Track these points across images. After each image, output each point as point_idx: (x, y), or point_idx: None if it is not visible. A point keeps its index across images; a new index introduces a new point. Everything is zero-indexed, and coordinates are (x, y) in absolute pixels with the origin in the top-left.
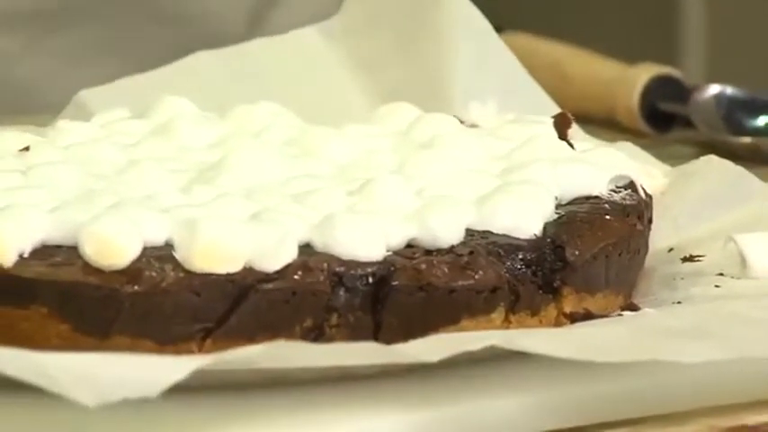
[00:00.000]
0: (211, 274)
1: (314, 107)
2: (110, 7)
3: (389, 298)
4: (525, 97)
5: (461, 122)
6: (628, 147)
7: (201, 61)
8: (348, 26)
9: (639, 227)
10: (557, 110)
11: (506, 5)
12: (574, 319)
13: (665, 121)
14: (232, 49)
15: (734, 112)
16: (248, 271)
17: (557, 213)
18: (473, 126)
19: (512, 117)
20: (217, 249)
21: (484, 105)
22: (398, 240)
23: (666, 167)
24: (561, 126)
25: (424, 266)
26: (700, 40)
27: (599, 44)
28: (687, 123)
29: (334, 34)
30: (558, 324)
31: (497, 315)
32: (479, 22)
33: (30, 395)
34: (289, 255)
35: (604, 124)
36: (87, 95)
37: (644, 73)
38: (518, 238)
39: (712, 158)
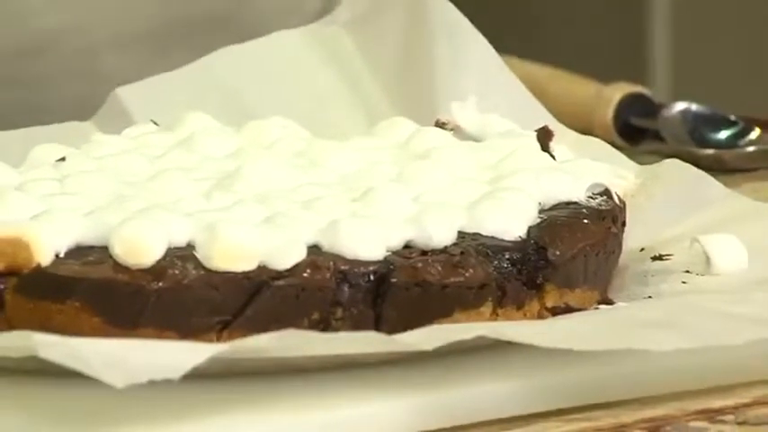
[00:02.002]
0: (229, 272)
1: (321, 94)
2: (208, 32)
3: (389, 293)
4: (506, 96)
5: (444, 124)
6: (600, 144)
7: (225, 56)
8: (352, 17)
9: (614, 230)
10: (536, 105)
11: (492, 31)
12: (555, 312)
13: (636, 134)
14: (256, 42)
15: (699, 127)
16: (262, 269)
17: (539, 218)
18: (456, 126)
19: (501, 131)
20: (234, 250)
21: (464, 104)
22: (397, 242)
23: (636, 165)
24: (544, 139)
25: (420, 265)
26: (667, 62)
27: (576, 66)
28: (657, 137)
29: (338, 24)
30: (540, 317)
31: (486, 309)
32: (464, 25)
33: (65, 378)
34: (298, 255)
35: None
36: (123, 93)
37: (617, 91)
38: (505, 240)
39: (675, 162)
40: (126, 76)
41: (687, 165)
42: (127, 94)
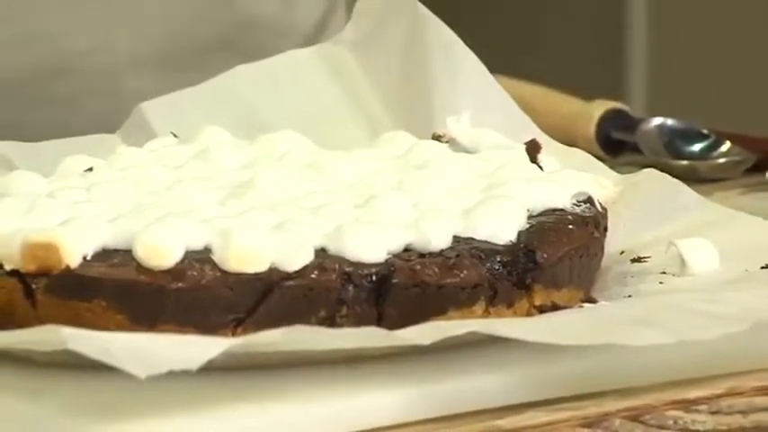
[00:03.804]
0: (242, 274)
1: (328, 109)
2: (216, 52)
3: (390, 293)
4: (498, 111)
5: (440, 136)
6: (583, 156)
7: (240, 74)
8: (356, 37)
9: (597, 234)
10: (526, 120)
11: (485, 52)
12: (542, 310)
13: (616, 147)
14: (268, 61)
15: (674, 140)
16: (273, 271)
17: (528, 223)
18: (452, 139)
19: (493, 143)
20: (247, 253)
21: (459, 118)
22: (397, 245)
23: (616, 174)
24: (532, 151)
25: (418, 267)
26: (644, 81)
27: (561, 84)
28: (635, 149)
29: (343, 44)
30: (529, 314)
31: (479, 307)
32: (459, 46)
33: (91, 370)
34: (306, 257)
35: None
36: (145, 107)
37: (599, 107)
38: (496, 244)
39: (652, 171)
40: (145, 95)
41: (663, 174)
42: (149, 108)
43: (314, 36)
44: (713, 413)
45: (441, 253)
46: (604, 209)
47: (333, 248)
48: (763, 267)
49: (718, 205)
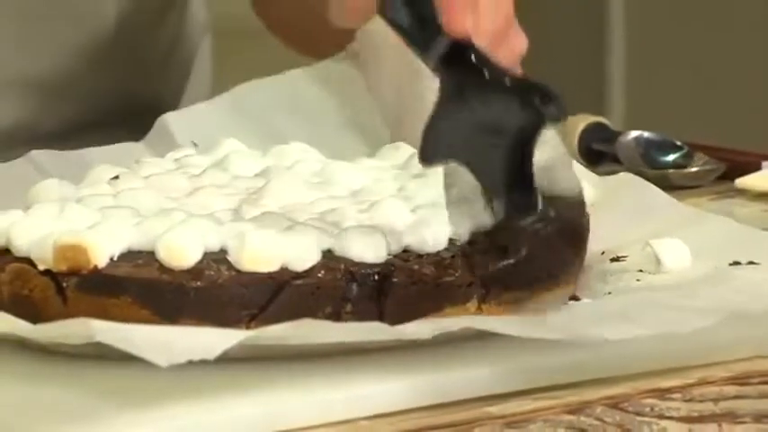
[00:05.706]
0: (256, 273)
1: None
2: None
3: (390, 291)
4: None
5: None
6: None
7: (254, 89)
8: (360, 55)
9: None
10: None
11: None
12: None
13: (597, 157)
14: (281, 77)
15: (650, 151)
16: (284, 270)
17: None
18: None
19: None
20: (260, 254)
21: None
22: (397, 247)
23: (594, 176)
24: None
25: (416, 267)
26: (623, 96)
27: None
28: (614, 159)
29: (348, 61)
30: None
31: (472, 304)
32: None
33: (117, 360)
34: (314, 258)
35: None
36: (169, 118)
37: (581, 121)
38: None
39: (628, 175)
40: None
41: (639, 179)
42: (172, 119)
43: None
44: (686, 401)
45: (437, 254)
46: (587, 214)
47: (338, 250)
48: (731, 264)
49: (690, 207)
